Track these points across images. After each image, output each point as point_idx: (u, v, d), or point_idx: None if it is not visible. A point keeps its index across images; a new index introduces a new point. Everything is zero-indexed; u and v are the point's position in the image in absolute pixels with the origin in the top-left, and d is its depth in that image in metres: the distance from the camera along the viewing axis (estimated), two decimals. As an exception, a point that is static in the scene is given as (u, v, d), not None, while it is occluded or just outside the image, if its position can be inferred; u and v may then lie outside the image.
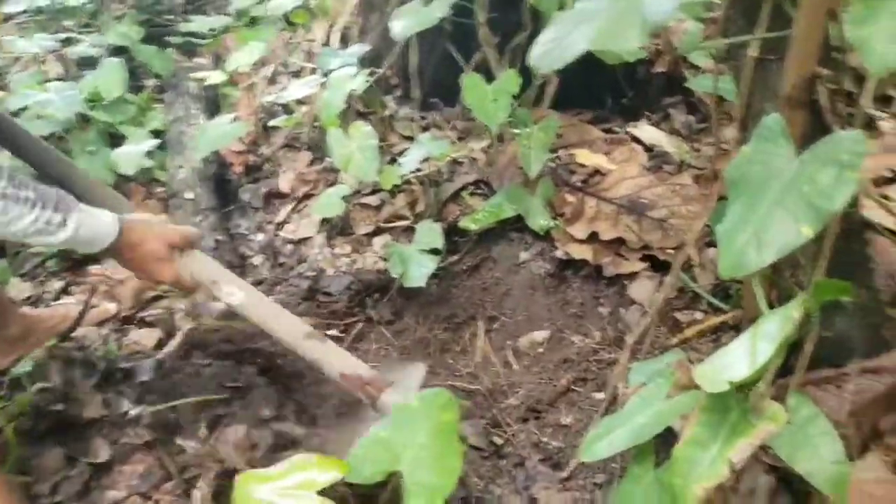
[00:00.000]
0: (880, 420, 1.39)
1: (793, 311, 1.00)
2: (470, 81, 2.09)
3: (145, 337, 1.97)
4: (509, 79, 2.05)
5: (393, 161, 2.30)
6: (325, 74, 2.34)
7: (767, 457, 1.37)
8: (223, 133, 2.33)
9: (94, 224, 1.41)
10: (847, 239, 1.37)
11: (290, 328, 1.55)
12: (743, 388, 1.10)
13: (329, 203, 2.18)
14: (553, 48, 1.08)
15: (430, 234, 2.04)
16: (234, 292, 1.53)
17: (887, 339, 1.48)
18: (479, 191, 2.29)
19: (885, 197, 1.89)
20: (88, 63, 2.99)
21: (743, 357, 1.02)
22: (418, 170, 2.27)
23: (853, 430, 1.35)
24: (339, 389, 1.57)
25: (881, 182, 2.00)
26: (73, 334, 1.93)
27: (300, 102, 2.60)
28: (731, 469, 1.02)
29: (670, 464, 1.09)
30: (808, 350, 1.26)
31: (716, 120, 1.62)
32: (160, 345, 1.94)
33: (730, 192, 1.00)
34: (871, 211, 1.62)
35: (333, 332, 1.95)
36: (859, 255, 1.44)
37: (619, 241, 1.98)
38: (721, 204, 1.13)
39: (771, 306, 1.16)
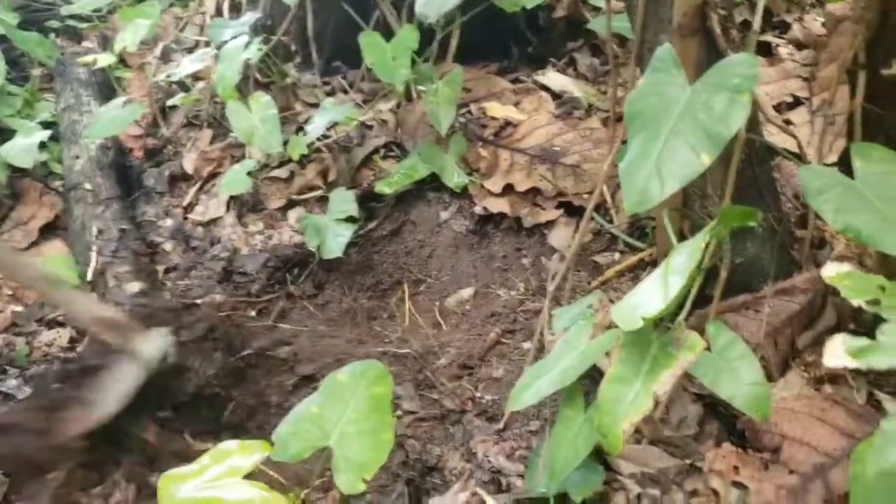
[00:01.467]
0: (797, 338, 1.42)
1: (700, 242, 1.01)
2: (368, 40, 2.04)
3: (56, 338, 1.88)
4: (407, 34, 2.00)
5: (300, 130, 2.23)
6: (219, 47, 2.25)
7: (694, 386, 1.40)
8: (116, 118, 2.22)
9: None
10: (752, 165, 1.39)
11: (35, 276, 1.48)
12: (662, 322, 1.10)
13: (236, 180, 2.11)
14: (437, -6, 1.05)
15: (344, 202, 2.00)
16: None
17: (797, 260, 1.51)
18: (391, 153, 2.25)
19: (788, 122, 1.93)
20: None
21: (656, 292, 1.02)
22: (326, 137, 2.21)
23: (772, 351, 1.39)
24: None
25: (783, 107, 2.04)
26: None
27: (196, 78, 2.51)
28: (655, 401, 1.03)
29: (597, 403, 1.10)
30: (722, 278, 1.28)
31: (613, 59, 1.60)
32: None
33: (629, 127, 0.99)
34: (775, 136, 1.65)
35: (253, 311, 1.90)
36: (766, 181, 1.46)
37: (535, 191, 1.97)
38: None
39: (684, 239, 1.17)
